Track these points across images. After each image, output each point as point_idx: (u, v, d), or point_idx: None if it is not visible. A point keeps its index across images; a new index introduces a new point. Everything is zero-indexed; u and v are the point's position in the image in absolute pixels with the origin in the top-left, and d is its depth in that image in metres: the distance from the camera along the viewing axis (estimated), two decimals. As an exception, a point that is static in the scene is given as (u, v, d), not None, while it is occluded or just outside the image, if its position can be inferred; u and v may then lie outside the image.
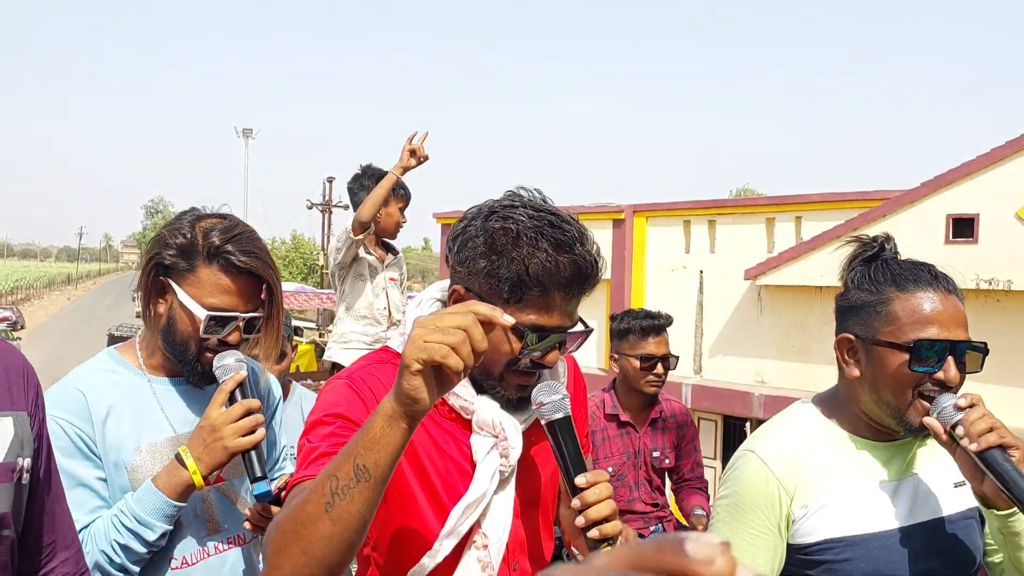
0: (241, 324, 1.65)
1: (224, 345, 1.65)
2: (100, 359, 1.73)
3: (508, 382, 1.35)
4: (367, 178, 3.99)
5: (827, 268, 8.12)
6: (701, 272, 9.34)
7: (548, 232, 1.25)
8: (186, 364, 1.67)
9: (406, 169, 3.72)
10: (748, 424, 8.96)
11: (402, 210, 4.04)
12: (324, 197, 32.86)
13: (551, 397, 1.29)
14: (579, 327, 1.34)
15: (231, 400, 1.62)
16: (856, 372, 1.51)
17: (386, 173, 3.82)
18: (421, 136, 3.69)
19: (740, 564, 0.39)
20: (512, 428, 1.36)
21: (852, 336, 1.53)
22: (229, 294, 1.62)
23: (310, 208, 33.19)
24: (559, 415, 1.29)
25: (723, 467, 9.62)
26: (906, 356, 1.43)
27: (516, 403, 1.37)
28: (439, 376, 1.05)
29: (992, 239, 7.05)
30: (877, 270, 1.54)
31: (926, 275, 1.53)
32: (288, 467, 1.96)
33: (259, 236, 1.71)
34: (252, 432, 1.59)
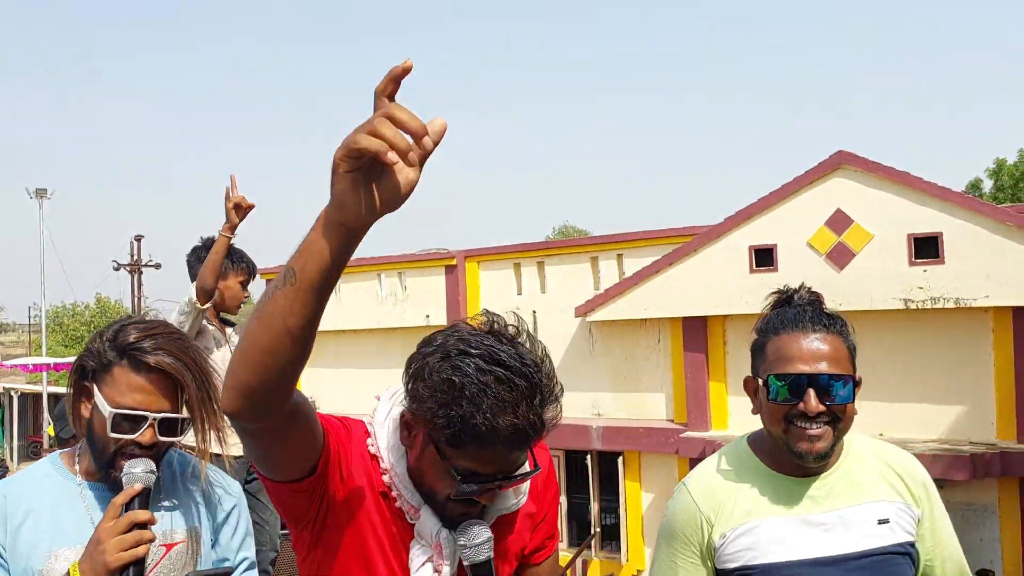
0: (155, 424, 1.59)
1: (138, 447, 1.59)
2: (40, 463, 1.73)
3: (450, 509, 1.37)
4: (207, 250, 3.71)
5: (650, 301, 8.60)
6: (534, 312, 9.59)
7: (491, 391, 1.24)
8: (102, 468, 1.63)
9: (234, 227, 3.51)
10: (588, 457, 9.22)
11: (244, 284, 3.82)
12: (132, 257, 30.91)
13: (473, 540, 1.35)
14: (524, 469, 1.37)
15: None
16: (756, 409, 1.65)
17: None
18: (234, 186, 3.48)
19: None
20: (449, 546, 1.38)
21: (751, 377, 1.66)
22: (140, 392, 1.59)
23: (117, 269, 31.08)
24: (480, 558, 1.35)
25: (568, 503, 9.80)
26: (767, 391, 1.57)
27: (457, 526, 1.38)
28: (370, 177, 1.00)
29: (790, 267, 7.76)
30: (770, 317, 1.65)
31: (800, 318, 1.60)
32: None
33: (184, 338, 1.69)
34: (136, 546, 1.51)
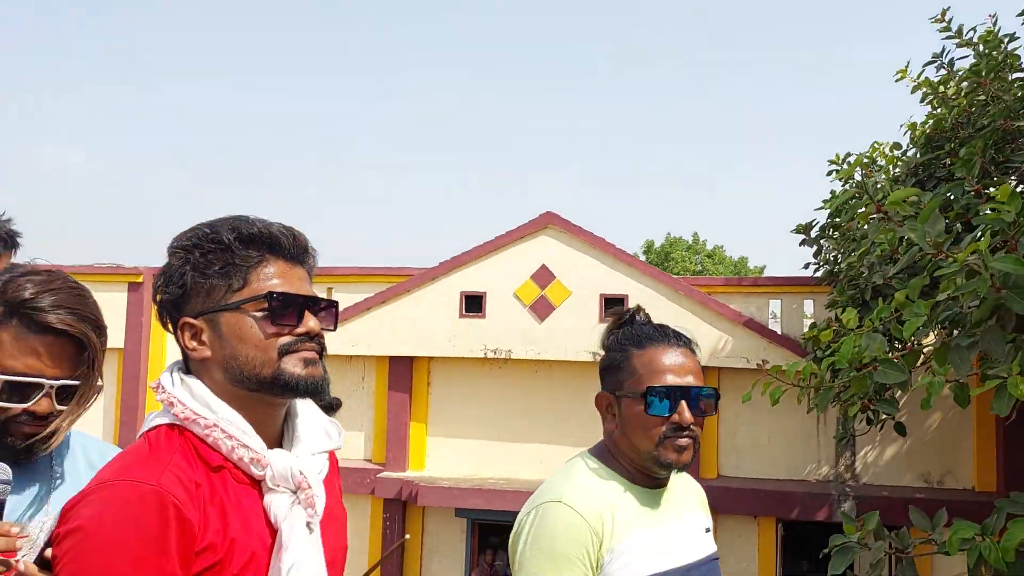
0: (52, 392, 1.45)
1: (31, 416, 1.44)
2: None
3: (288, 372, 1.30)
4: None
5: (359, 338, 8.50)
6: (235, 341, 9.02)
7: (232, 220, 1.32)
8: None
9: None
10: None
11: None
12: None
13: None
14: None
15: None
16: (612, 425, 1.65)
17: None
18: None
19: None
20: (315, 475, 1.28)
21: (607, 392, 1.67)
22: (33, 356, 1.44)
23: None
24: None
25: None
26: (643, 404, 1.58)
27: (306, 388, 1.30)
28: None
29: (497, 314, 8.12)
30: (624, 334, 1.69)
31: (663, 334, 1.65)
32: None
33: (87, 294, 1.52)
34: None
